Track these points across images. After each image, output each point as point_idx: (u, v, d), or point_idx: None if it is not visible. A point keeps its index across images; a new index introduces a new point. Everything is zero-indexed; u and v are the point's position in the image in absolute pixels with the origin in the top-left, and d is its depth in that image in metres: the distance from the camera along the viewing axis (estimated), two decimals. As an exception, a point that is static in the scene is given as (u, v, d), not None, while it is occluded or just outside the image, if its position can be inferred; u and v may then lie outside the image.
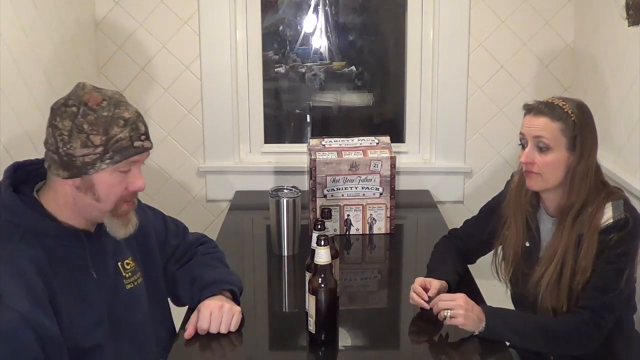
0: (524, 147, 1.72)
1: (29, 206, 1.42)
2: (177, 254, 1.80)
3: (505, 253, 1.86)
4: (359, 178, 2.33)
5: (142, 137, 1.44)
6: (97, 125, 1.37)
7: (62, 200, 1.45)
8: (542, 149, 1.68)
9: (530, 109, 1.72)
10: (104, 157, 1.39)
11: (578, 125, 1.66)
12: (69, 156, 1.38)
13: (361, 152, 2.34)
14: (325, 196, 2.33)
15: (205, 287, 1.69)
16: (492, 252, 1.92)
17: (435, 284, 1.74)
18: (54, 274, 1.39)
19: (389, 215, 2.37)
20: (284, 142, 3.19)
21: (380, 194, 2.35)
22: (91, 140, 1.37)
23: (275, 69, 3.14)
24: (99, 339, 1.47)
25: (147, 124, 1.47)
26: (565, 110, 1.67)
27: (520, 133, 1.73)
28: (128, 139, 1.40)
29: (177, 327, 1.71)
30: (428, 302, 1.71)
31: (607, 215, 1.65)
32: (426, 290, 1.73)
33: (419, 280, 1.77)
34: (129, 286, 1.57)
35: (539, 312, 1.72)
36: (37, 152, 2.10)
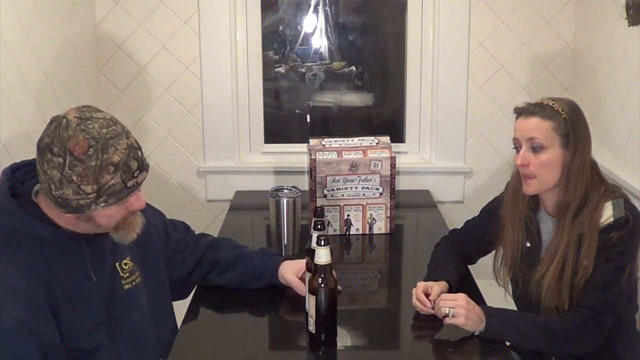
0: (518, 151, 1.72)
1: (27, 211, 1.40)
2: (192, 244, 1.86)
3: (505, 257, 1.86)
4: (359, 178, 2.33)
5: (136, 173, 1.39)
6: (86, 176, 1.33)
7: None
8: (537, 149, 1.68)
9: (521, 112, 1.72)
10: (99, 201, 1.37)
11: (570, 122, 1.67)
12: (62, 199, 1.35)
13: (361, 152, 2.34)
14: (325, 196, 2.33)
15: (270, 254, 1.90)
16: (492, 253, 1.92)
17: (436, 289, 1.73)
18: (53, 279, 1.39)
19: (389, 215, 2.37)
20: (284, 142, 3.19)
21: (380, 194, 2.35)
22: (82, 189, 1.34)
23: (275, 69, 3.14)
24: (98, 341, 1.47)
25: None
26: (556, 108, 1.67)
27: (514, 138, 1.73)
28: (120, 182, 1.37)
29: (178, 326, 1.71)
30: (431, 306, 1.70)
31: (608, 214, 1.65)
32: (428, 295, 1.72)
33: (421, 286, 1.75)
34: (126, 286, 1.56)
35: (541, 311, 1.72)
36: (37, 152, 2.10)
